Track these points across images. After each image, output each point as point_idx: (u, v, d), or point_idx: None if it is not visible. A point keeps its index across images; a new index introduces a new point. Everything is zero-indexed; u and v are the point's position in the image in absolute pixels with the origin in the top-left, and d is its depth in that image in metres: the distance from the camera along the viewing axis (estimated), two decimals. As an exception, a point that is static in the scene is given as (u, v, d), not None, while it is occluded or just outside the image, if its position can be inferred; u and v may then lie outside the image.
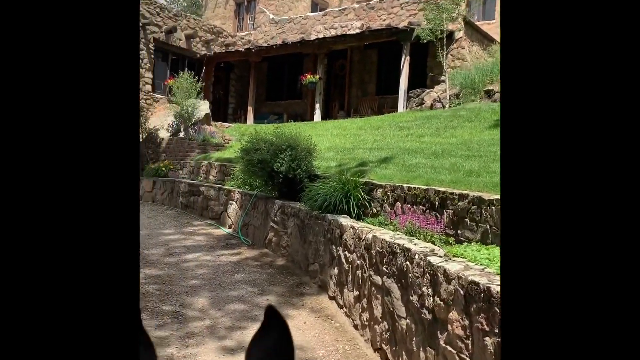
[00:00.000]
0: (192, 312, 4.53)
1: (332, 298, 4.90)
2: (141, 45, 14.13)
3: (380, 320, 3.83)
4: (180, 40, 15.36)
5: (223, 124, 14.85)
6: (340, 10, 16.65)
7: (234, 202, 8.12)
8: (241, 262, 6.30)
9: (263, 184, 7.18)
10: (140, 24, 14.01)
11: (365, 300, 4.13)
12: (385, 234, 3.98)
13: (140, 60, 14.11)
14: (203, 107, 13.61)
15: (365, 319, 4.13)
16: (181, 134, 12.69)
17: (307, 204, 5.72)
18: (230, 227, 8.14)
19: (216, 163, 9.95)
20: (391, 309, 3.63)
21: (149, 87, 14.40)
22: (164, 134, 13.02)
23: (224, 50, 16.10)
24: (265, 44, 16.21)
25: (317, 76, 14.24)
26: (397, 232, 4.18)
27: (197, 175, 10.53)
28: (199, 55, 15.81)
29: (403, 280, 3.47)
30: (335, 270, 4.82)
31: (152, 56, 14.51)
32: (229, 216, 8.23)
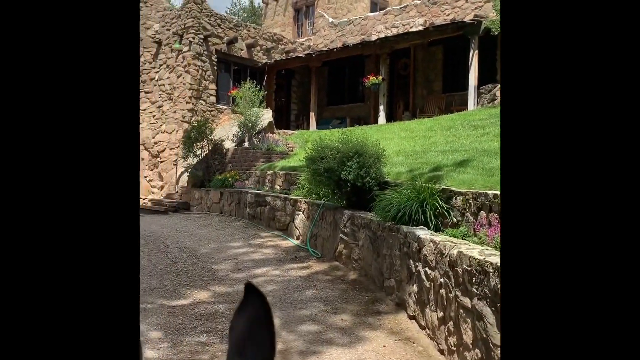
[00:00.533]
0: (263, 335, 4.28)
1: (412, 317, 4.50)
2: (204, 57, 14.35)
3: (471, 347, 3.39)
4: (241, 50, 15.49)
5: (286, 131, 14.78)
6: (401, 8, 16.13)
7: (300, 213, 7.89)
8: (311, 276, 6.03)
9: (330, 193, 6.88)
10: (202, 36, 14.24)
11: (451, 323, 3.70)
12: (473, 250, 3.54)
13: (204, 72, 14.35)
14: (266, 116, 13.58)
15: (452, 344, 3.70)
16: (245, 144, 12.70)
17: (379, 214, 5.35)
18: (298, 239, 7.92)
19: (281, 172, 9.79)
20: (484, 335, 3.18)
21: (213, 99, 14.61)
22: (229, 145, 13.10)
23: (284, 58, 16.06)
24: (325, 48, 15.99)
25: (380, 77, 13.82)
26: (486, 247, 3.72)
27: (262, 184, 10.44)
28: (260, 64, 15.86)
29: (498, 304, 3.02)
30: (415, 288, 4.41)
31: (215, 67, 14.70)
32: (296, 227, 8.01)
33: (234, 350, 0.69)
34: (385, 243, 5.13)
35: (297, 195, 8.45)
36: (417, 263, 4.36)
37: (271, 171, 10.24)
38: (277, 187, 9.83)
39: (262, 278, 5.93)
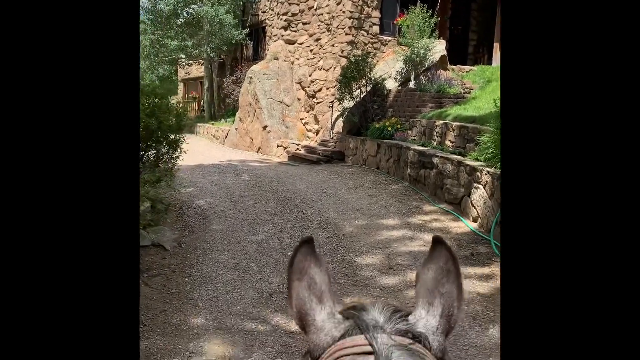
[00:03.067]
0: None
1: None
2: (367, -20, 12.16)
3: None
4: (412, -33, 12.87)
5: (462, 67, 12.10)
6: None
7: (480, 186, 5.70)
8: (498, 294, 3.97)
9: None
10: (366, -46, 11.98)
11: None
12: None
13: (366, -2, 12.21)
14: (438, 48, 11.09)
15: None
16: (411, 84, 10.52)
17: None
18: (475, 221, 5.80)
19: (454, 124, 7.52)
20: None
21: (376, 29, 12.49)
22: (391, 84, 11.05)
23: (465, -26, 13.00)
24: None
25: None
26: None
27: (429, 138, 8.31)
28: (434, -16, 13.08)
29: None
30: None
31: (380, -9, 12.45)
32: (473, 204, 5.87)
33: (422, 299, 0.68)
34: None
35: (476, 159, 6.22)
36: None
37: (441, 121, 8.02)
38: (448, 143, 7.64)
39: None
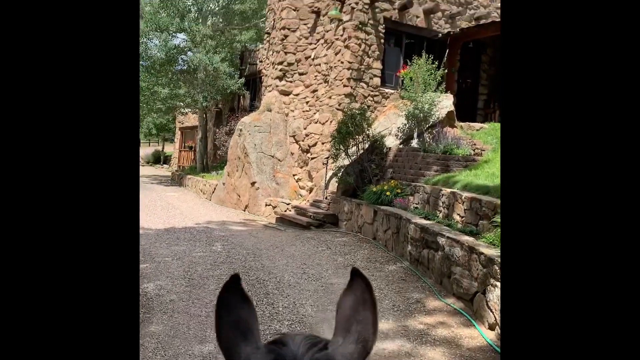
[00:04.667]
0: None
1: None
2: (369, 28, 11.29)
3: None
4: (417, 17, 12.05)
5: (471, 124, 10.99)
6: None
7: (499, 285, 4.36)
8: None
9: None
10: (368, 0, 11.16)
11: None
12: None
13: (367, 47, 11.29)
14: (444, 103, 10.02)
15: None
16: (414, 142, 9.38)
17: None
18: (492, 330, 4.43)
19: (464, 194, 6.26)
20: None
21: (377, 81, 11.50)
22: (391, 142, 9.91)
23: (473, 25, 12.13)
24: (533, 9, 11.57)
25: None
26: None
27: (433, 209, 7.05)
28: (440, 35, 12.23)
29: None
30: None
31: (382, 41, 11.55)
32: (489, 307, 4.52)
33: (340, 327, 0.74)
34: None
35: (492, 244, 4.92)
36: None
37: (448, 190, 6.77)
38: (456, 217, 6.36)
39: None
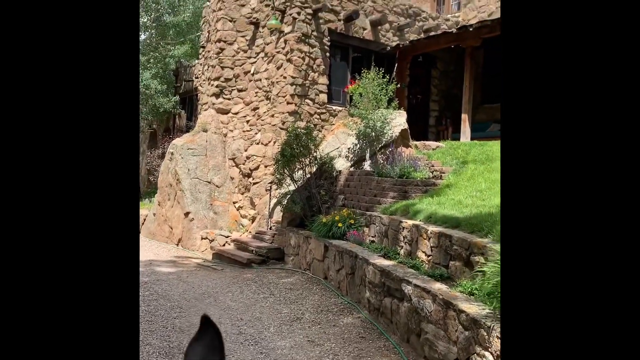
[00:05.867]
0: None
1: None
2: (312, 40, 10.34)
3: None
4: (364, 29, 11.23)
5: (426, 143, 10.17)
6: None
7: (489, 356, 3.34)
8: None
9: None
10: (311, 11, 10.22)
11: None
12: None
13: (312, 61, 10.32)
14: (398, 120, 9.15)
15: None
16: (366, 164, 8.40)
17: None
18: (482, 417, 3.38)
19: (430, 229, 5.25)
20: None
21: (324, 97, 10.52)
22: (341, 164, 8.90)
23: (423, 37, 11.44)
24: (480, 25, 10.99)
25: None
26: None
27: (393, 244, 6.03)
28: (389, 48, 11.46)
29: None
30: None
31: (328, 54, 10.62)
32: (477, 383, 3.47)
33: None
34: None
35: (472, 293, 3.92)
36: None
37: (410, 222, 5.77)
38: (421, 255, 5.36)
39: None
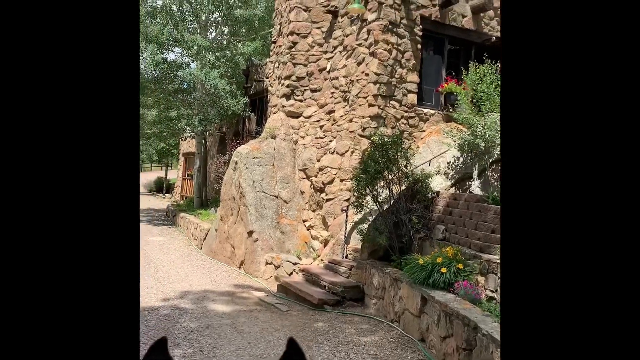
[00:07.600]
0: None
1: None
2: (401, 30, 8.58)
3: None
4: (463, 17, 9.31)
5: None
6: None
7: None
8: None
9: None
10: (400, -6, 8.46)
11: None
12: None
13: (400, 54, 8.57)
14: (512, 128, 7.12)
15: None
16: (473, 185, 6.52)
17: None
18: None
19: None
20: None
21: (413, 98, 8.73)
22: (438, 183, 7.07)
23: (538, 24, 9.29)
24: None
25: None
26: None
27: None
28: (494, 39, 9.44)
29: None
30: None
31: (419, 47, 8.81)
32: None
33: None
34: None
35: None
36: None
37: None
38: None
39: None
